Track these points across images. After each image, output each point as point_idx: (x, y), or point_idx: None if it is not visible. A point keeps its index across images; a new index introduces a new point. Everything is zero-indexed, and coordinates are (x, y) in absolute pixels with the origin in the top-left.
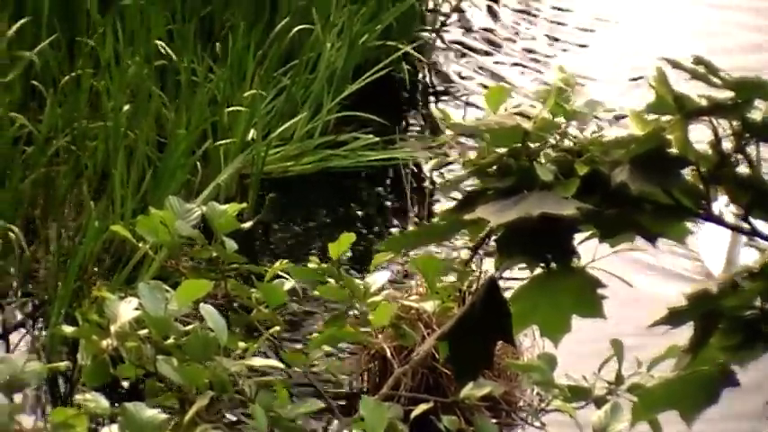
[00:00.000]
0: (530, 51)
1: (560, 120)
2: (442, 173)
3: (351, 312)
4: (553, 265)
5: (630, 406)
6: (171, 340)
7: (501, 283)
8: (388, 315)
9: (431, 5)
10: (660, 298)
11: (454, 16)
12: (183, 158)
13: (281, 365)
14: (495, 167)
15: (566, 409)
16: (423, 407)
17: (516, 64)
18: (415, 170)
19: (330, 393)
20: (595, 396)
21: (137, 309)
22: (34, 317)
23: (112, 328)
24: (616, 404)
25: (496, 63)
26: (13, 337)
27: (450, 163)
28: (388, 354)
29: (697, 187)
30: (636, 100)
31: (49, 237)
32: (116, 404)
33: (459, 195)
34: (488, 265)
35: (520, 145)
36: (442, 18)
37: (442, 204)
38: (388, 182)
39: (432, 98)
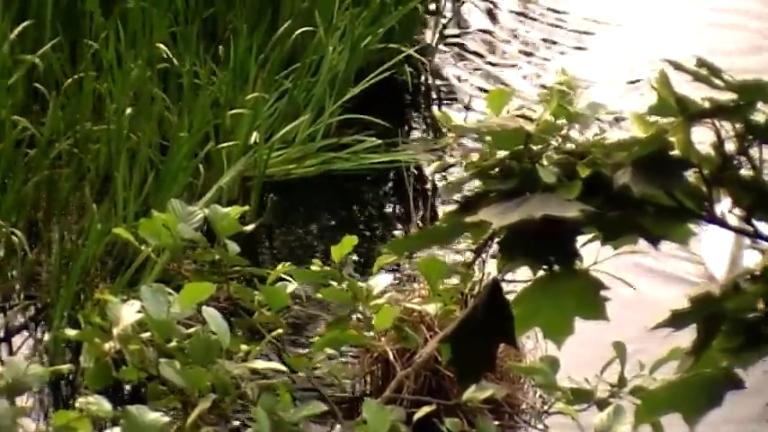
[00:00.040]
0: (528, 54)
1: (562, 122)
2: (444, 175)
3: (353, 315)
4: (556, 267)
5: (633, 408)
6: (173, 343)
7: (504, 286)
8: (390, 318)
9: (432, 7)
10: (662, 301)
11: (453, 18)
12: (186, 161)
13: (284, 368)
14: (497, 170)
15: (568, 411)
16: (425, 409)
17: (514, 66)
18: (418, 173)
19: (333, 396)
20: (598, 399)
21: (139, 312)
22: (37, 320)
23: (115, 331)
24: (619, 407)
25: (495, 66)
26: (16, 340)
27: (453, 165)
28: (391, 356)
29: (699, 189)
30: (634, 103)
31: (51, 239)
32: (118, 407)
33: (461, 198)
34: (491, 268)
35: (522, 147)
36: (443, 21)
37: (445, 207)
38: (390, 184)
39: (434, 101)
